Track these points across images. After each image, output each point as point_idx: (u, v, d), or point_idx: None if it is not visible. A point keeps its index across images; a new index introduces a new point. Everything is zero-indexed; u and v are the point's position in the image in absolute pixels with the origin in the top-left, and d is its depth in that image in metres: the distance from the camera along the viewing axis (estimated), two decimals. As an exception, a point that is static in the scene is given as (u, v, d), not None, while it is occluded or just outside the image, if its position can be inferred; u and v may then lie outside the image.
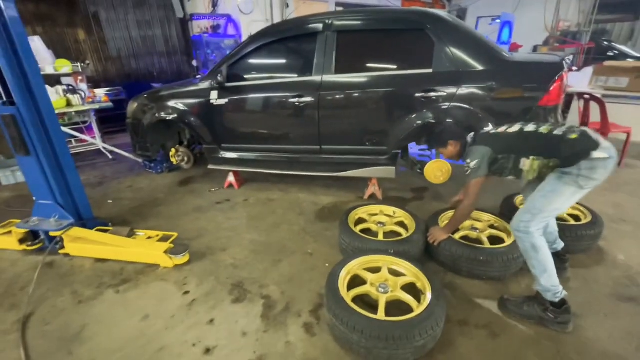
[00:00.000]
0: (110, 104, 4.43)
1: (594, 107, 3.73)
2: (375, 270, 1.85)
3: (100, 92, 5.51)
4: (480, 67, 2.48)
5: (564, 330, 1.65)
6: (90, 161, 4.60)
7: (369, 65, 2.79)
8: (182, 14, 6.96)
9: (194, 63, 5.75)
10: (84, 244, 2.31)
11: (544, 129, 1.68)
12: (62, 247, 2.35)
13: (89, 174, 4.11)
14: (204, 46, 5.18)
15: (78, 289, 2.06)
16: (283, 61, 3.09)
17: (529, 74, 2.50)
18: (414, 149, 3.35)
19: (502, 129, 1.86)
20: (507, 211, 2.47)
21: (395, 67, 2.71)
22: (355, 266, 1.85)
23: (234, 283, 2.07)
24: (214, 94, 3.06)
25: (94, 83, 6.60)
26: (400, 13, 2.73)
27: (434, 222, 2.28)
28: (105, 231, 2.48)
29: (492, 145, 1.82)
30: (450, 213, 2.35)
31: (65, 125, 4.53)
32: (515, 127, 1.80)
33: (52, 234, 2.32)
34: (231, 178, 3.48)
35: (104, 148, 4.60)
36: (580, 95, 3.89)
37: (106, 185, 3.74)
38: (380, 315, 1.54)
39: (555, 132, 1.63)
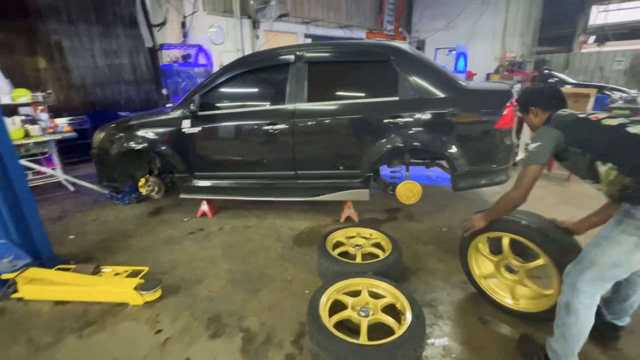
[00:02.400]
0: (73, 134, 4.24)
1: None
2: (355, 293, 1.86)
3: (63, 122, 5.27)
4: (440, 95, 2.69)
5: None
6: (50, 194, 4.31)
7: (339, 93, 2.93)
8: (151, 44, 6.96)
9: (164, 91, 5.71)
10: (42, 286, 2.13)
11: (638, 129, 1.29)
12: (16, 291, 2.15)
13: (48, 209, 3.84)
14: (175, 75, 5.17)
15: (35, 336, 1.87)
16: (256, 90, 3.17)
17: (484, 100, 2.75)
18: (385, 171, 3.48)
19: (596, 116, 1.46)
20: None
21: (364, 95, 2.86)
22: (335, 291, 1.85)
23: (211, 317, 1.99)
24: (186, 123, 3.04)
25: (55, 112, 6.31)
26: (366, 46, 2.93)
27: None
28: (67, 270, 2.31)
29: (567, 132, 1.47)
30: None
31: (21, 157, 4.26)
32: (615, 121, 1.38)
33: (4, 276, 2.12)
34: (204, 207, 3.40)
35: (66, 180, 4.34)
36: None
37: (67, 220, 3.50)
38: (363, 339, 1.54)
39: None
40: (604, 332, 1.63)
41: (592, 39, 10.54)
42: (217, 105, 3.08)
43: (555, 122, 1.56)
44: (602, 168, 1.35)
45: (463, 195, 3.75)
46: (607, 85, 7.62)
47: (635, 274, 1.52)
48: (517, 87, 2.92)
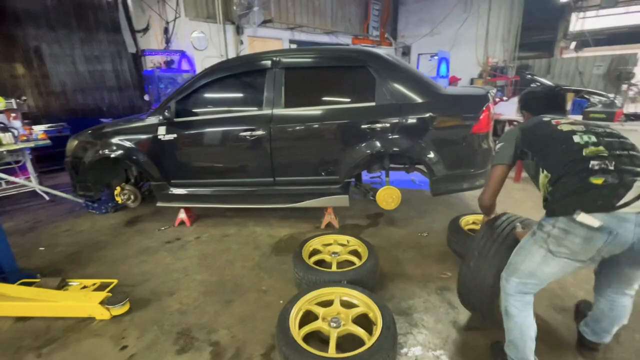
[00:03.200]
0: (47, 142, 4.12)
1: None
2: (328, 303, 1.81)
3: (39, 129, 5.12)
4: (417, 100, 2.69)
5: None
6: (23, 204, 4.17)
7: (316, 99, 2.90)
8: (134, 49, 6.87)
9: (146, 97, 5.62)
10: (1, 302, 2.02)
11: (592, 150, 1.25)
12: (-27, 308, 2.04)
13: (20, 219, 3.70)
14: (156, 81, 5.10)
15: (-11, 357, 1.77)
16: (233, 96, 3.13)
17: (461, 105, 2.76)
18: (366, 177, 3.46)
19: (557, 120, 1.41)
20: (453, 234, 2.58)
21: (341, 101, 2.85)
22: (307, 301, 1.80)
23: (180, 331, 1.91)
24: (161, 130, 2.97)
25: (33, 119, 6.15)
26: (342, 52, 2.93)
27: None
28: (31, 284, 2.21)
29: (524, 132, 1.46)
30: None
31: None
32: (569, 127, 1.35)
33: (-39, 292, 2.01)
34: (182, 215, 3.32)
35: (40, 189, 4.20)
36: (510, 122, 4.34)
37: (39, 231, 3.38)
38: (331, 352, 1.49)
39: (591, 155, 1.23)
40: (581, 341, 1.66)
41: (573, 44, 10.81)
42: (194, 111, 3.02)
43: (524, 122, 1.57)
44: (541, 175, 1.37)
45: (446, 200, 3.76)
46: (585, 89, 7.81)
47: (607, 291, 1.50)
48: (493, 92, 2.93)
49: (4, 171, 4.23)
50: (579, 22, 10.68)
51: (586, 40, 10.21)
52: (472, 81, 8.02)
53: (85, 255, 2.85)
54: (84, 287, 2.23)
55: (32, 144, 3.94)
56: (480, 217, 2.76)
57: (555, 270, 1.30)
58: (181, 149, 3.01)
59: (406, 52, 9.85)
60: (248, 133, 2.83)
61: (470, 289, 1.71)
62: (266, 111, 2.83)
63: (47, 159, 5.33)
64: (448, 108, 2.71)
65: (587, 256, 1.23)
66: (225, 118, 2.96)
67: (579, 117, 3.90)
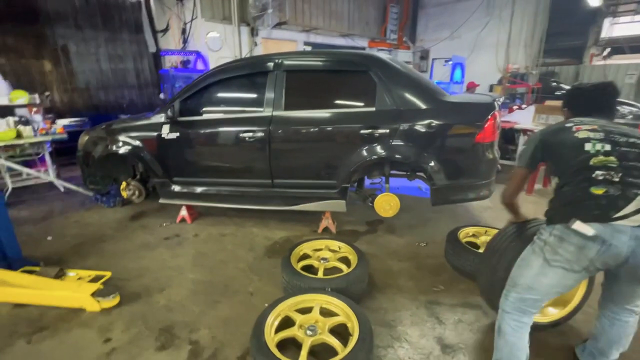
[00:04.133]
0: (64, 136, 4.31)
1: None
2: (308, 310, 1.78)
3: (62, 123, 5.39)
4: (418, 107, 2.62)
5: None
6: (41, 195, 4.38)
7: (316, 102, 2.88)
8: (155, 49, 7.11)
9: (162, 96, 5.80)
10: (1, 287, 2.12)
11: (601, 160, 1.22)
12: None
13: (35, 209, 3.89)
14: (171, 80, 5.25)
15: (-16, 340, 1.86)
16: (235, 97, 3.16)
17: (464, 113, 2.67)
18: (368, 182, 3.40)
19: (578, 127, 1.35)
20: (450, 246, 2.49)
21: (341, 105, 2.82)
22: (287, 307, 1.78)
23: (163, 327, 1.94)
24: (165, 128, 3.05)
25: (58, 114, 6.49)
26: (345, 55, 2.89)
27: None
28: (32, 272, 2.31)
29: (544, 138, 1.44)
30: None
31: (15, 157, 4.36)
32: (585, 134, 1.31)
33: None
34: (184, 212, 3.38)
35: (54, 181, 4.39)
36: (525, 131, 4.16)
37: (50, 221, 3.54)
38: (302, 361, 1.47)
39: (597, 165, 1.22)
40: None
41: (606, 51, 10.27)
42: (197, 111, 3.08)
43: (549, 126, 1.55)
44: (553, 181, 1.39)
45: (451, 210, 3.64)
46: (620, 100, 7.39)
47: (609, 305, 1.46)
48: (500, 101, 2.82)
49: (26, 162, 4.49)
50: (612, 28, 10.14)
51: (618, 47, 9.68)
52: (491, 88, 7.76)
53: (88, 247, 2.95)
54: (80, 278, 2.31)
55: (49, 138, 4.14)
56: (481, 229, 2.66)
57: (553, 282, 1.28)
58: (183, 147, 3.07)
59: (424, 56, 9.67)
60: (248, 134, 2.85)
61: (494, 288, 1.64)
62: (266, 113, 2.84)
63: (67, 152, 5.58)
64: (450, 115, 2.62)
65: (581, 265, 1.22)
66: (226, 119, 3.00)
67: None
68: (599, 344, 1.51)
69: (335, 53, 3.01)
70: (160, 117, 3.09)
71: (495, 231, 2.55)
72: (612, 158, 1.22)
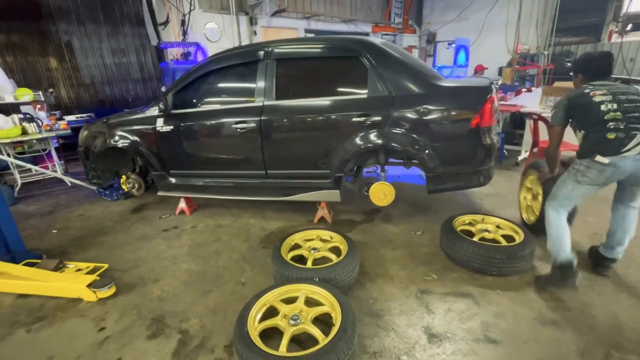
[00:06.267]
0: (68, 131, 4.41)
1: (544, 126, 3.82)
2: (294, 300, 1.79)
3: (70, 118, 5.51)
4: (412, 92, 2.54)
5: (565, 288, 1.98)
6: (49, 189, 4.52)
7: (307, 90, 2.83)
8: (157, 42, 7.11)
9: (163, 89, 5.82)
10: (4, 279, 2.21)
11: (612, 115, 1.80)
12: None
13: (43, 203, 4.02)
14: (171, 73, 5.25)
15: (-13, 329, 1.95)
16: (227, 88, 3.13)
17: (459, 97, 2.57)
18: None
19: (594, 92, 1.90)
20: (445, 234, 2.44)
21: (332, 92, 2.75)
22: (272, 297, 1.79)
23: (155, 317, 1.99)
24: (159, 121, 3.07)
25: (66, 110, 6.63)
26: (335, 41, 2.81)
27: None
28: (33, 264, 2.39)
29: (570, 101, 1.99)
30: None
31: (24, 153, 4.49)
32: (601, 97, 1.86)
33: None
34: (182, 204, 3.43)
35: (57, 176, 4.50)
36: (530, 115, 4.00)
37: (56, 214, 3.65)
38: (282, 350, 1.48)
39: (610, 119, 1.79)
40: (597, 262, 2.20)
41: (629, 26, 9.68)
42: (190, 103, 3.08)
43: (571, 92, 2.03)
44: (579, 133, 1.99)
45: (451, 197, 3.57)
46: (633, 78, 7.00)
47: (619, 205, 2.08)
48: (496, 83, 2.71)
49: (35, 158, 4.62)
50: (633, 2, 9.53)
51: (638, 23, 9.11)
52: (500, 70, 7.46)
53: (89, 239, 3.03)
54: (79, 269, 2.38)
55: (53, 134, 4.23)
56: (478, 217, 2.60)
57: (581, 192, 1.98)
58: (178, 140, 3.08)
59: (431, 39, 9.35)
60: (240, 125, 2.83)
61: None
62: (257, 103, 2.81)
63: (74, 147, 5.71)
64: (445, 100, 2.53)
65: (600, 182, 1.88)
66: (218, 110, 2.99)
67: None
68: (616, 237, 2.09)
69: (325, 39, 2.93)
70: (154, 110, 3.11)
71: (493, 218, 2.53)
72: (618, 113, 1.80)
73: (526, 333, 1.75)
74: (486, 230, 2.42)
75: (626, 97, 1.83)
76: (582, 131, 1.94)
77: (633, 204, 2.03)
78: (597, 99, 1.86)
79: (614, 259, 2.13)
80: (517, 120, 5.53)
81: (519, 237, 2.30)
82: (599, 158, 1.80)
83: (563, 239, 1.96)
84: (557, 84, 4.38)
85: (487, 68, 7.44)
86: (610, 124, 1.79)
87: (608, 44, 9.42)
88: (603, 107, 1.82)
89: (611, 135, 1.78)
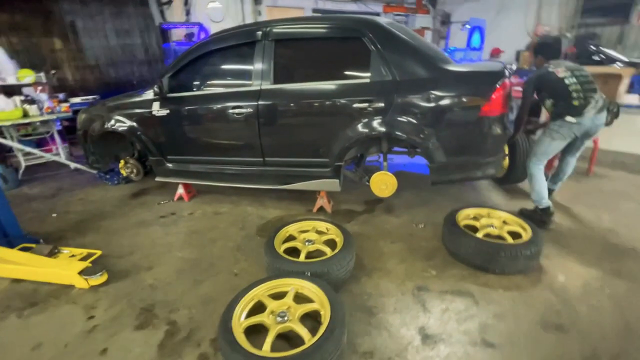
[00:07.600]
0: (69, 114, 4.37)
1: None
2: (283, 295, 1.72)
3: (75, 100, 5.46)
4: (418, 77, 2.38)
5: (544, 227, 2.51)
6: (54, 172, 4.54)
7: (307, 74, 2.68)
8: (160, 22, 6.94)
9: (166, 71, 5.69)
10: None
11: (574, 87, 2.36)
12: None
13: (46, 186, 4.04)
14: (173, 54, 5.12)
15: (-20, 313, 1.96)
16: (223, 71, 3.01)
17: (468, 83, 2.39)
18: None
19: (557, 70, 2.42)
20: (447, 228, 2.33)
21: (333, 76, 2.59)
22: (261, 291, 1.73)
23: (144, 307, 1.96)
24: (155, 105, 2.98)
25: (71, 92, 6.60)
26: (336, 20, 2.63)
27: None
28: (29, 249, 2.39)
29: (539, 78, 2.51)
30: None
31: (28, 136, 4.49)
32: (563, 74, 2.40)
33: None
34: (180, 190, 3.38)
35: (57, 160, 4.49)
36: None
37: (58, 198, 3.66)
38: (265, 349, 1.42)
39: (573, 90, 2.36)
40: (542, 218, 2.61)
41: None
42: (186, 86, 2.97)
43: (538, 71, 2.55)
44: (547, 102, 2.52)
45: (457, 188, 3.44)
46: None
47: (567, 156, 2.78)
48: (511, 67, 2.55)
49: (40, 141, 4.63)
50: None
51: (674, 2, 8.43)
52: (518, 54, 7.06)
53: (88, 224, 3.03)
54: (72, 255, 2.37)
55: (54, 116, 4.20)
56: (483, 210, 2.47)
57: (555, 147, 2.55)
58: (174, 124, 3.00)
59: (445, 20, 8.90)
60: (236, 110, 2.72)
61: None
62: (254, 87, 2.68)
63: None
64: (452, 85, 2.35)
65: (570, 136, 2.48)
66: (214, 94, 2.88)
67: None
68: (559, 175, 2.89)
69: (326, 18, 2.76)
70: (150, 94, 3.02)
71: (499, 213, 2.39)
72: (578, 86, 2.37)
73: (526, 337, 1.65)
74: (491, 226, 2.29)
75: (580, 73, 2.41)
76: (551, 100, 2.47)
77: (577, 154, 2.74)
78: (560, 75, 2.40)
79: (553, 189, 2.95)
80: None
81: (526, 235, 2.16)
82: (568, 118, 2.38)
83: (543, 191, 2.58)
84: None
85: (503, 51, 7.05)
86: (574, 94, 2.35)
87: (637, 25, 8.79)
88: (567, 82, 2.37)
89: (575, 103, 2.35)
